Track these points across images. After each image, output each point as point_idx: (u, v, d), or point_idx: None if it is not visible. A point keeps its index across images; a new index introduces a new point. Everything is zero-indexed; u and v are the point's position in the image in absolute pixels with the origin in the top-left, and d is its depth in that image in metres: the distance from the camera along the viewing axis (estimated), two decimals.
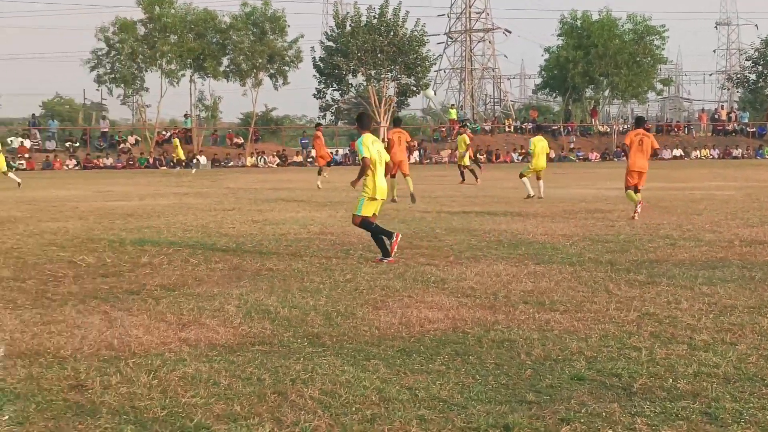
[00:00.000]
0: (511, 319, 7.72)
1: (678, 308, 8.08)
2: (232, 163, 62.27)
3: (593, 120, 75.90)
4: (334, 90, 68.54)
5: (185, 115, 67.93)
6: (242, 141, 67.05)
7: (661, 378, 5.84)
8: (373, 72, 65.38)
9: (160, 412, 5.25)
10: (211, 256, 12.05)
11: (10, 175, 32.62)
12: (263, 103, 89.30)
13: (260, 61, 63.91)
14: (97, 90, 68.69)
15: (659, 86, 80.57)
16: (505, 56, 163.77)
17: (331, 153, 48.13)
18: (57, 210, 20.99)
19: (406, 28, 65.85)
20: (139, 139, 65.12)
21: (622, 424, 4.97)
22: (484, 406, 5.31)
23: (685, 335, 7.03)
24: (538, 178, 23.75)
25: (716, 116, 78.08)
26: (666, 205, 20.07)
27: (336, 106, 69.53)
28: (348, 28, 65.39)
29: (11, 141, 61.14)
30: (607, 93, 77.33)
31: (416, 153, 64.74)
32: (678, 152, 68.80)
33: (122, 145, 63.32)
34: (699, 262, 11.10)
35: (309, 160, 59.97)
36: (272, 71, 65.29)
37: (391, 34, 64.75)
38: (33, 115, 71.05)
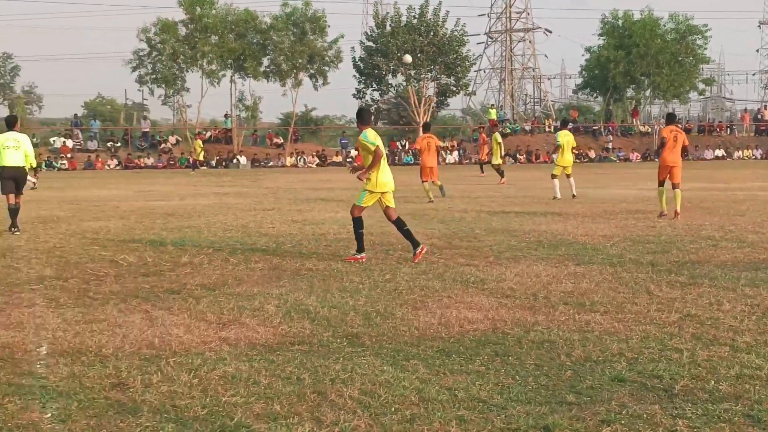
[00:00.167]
0: (551, 320, 7.68)
1: (720, 310, 7.99)
2: (271, 163, 62.43)
3: (634, 120, 75.37)
4: (373, 90, 68.57)
5: (225, 115, 68.29)
6: (282, 141, 67.08)
7: (702, 380, 5.78)
8: (412, 72, 65.23)
9: (201, 411, 5.28)
10: (250, 256, 12.11)
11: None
12: (303, 103, 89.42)
13: (300, 61, 63.84)
14: (139, 90, 69.11)
15: (701, 86, 79.67)
16: (546, 56, 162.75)
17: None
18: (99, 209, 21.23)
19: (446, 28, 65.65)
20: (180, 139, 65.38)
21: (663, 426, 4.92)
22: (523, 407, 5.28)
23: (727, 337, 6.95)
24: (568, 176, 23.66)
25: (759, 116, 77.15)
26: (708, 206, 19.88)
27: (376, 106, 69.45)
28: (388, 28, 65.31)
29: (54, 141, 61.97)
30: (648, 93, 76.67)
31: (455, 153, 64.80)
32: (720, 152, 68.14)
33: (163, 145, 63.79)
34: (741, 263, 10.97)
35: (348, 160, 60.04)
36: (312, 71, 65.17)
37: (431, 34, 64.52)
38: (75, 115, 71.94)
